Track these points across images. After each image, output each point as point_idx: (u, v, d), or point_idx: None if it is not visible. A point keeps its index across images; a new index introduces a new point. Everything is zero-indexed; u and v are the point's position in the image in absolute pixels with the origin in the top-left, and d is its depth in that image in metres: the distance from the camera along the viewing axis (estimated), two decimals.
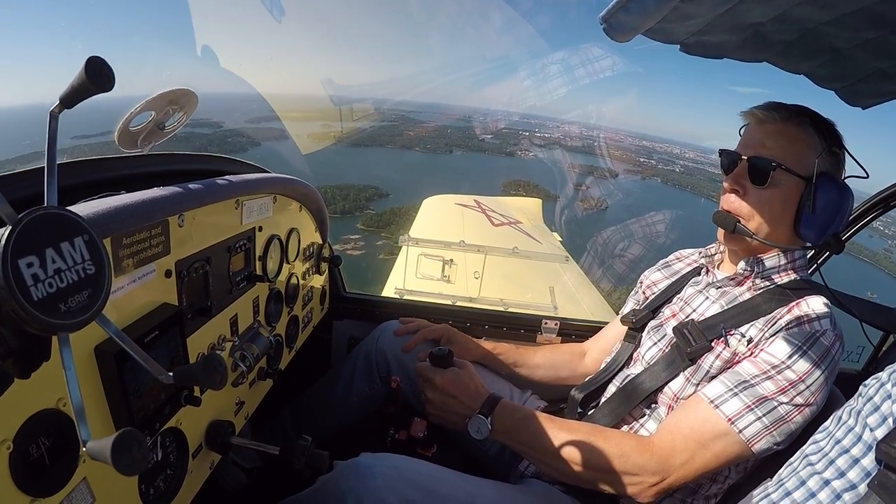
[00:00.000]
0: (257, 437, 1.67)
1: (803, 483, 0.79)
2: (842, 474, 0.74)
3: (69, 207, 0.68)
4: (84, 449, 0.45)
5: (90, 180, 0.94)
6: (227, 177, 1.10)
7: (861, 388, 0.82)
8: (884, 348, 1.92)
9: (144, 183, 0.99)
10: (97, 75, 0.49)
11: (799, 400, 1.05)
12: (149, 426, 0.80)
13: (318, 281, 1.81)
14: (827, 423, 0.86)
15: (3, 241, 0.42)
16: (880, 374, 0.79)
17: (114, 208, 0.70)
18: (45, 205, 0.48)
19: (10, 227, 0.43)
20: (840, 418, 0.82)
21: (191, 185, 0.93)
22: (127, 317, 0.77)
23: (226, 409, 1.13)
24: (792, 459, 0.88)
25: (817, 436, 0.86)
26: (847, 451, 0.75)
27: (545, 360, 1.76)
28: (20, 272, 0.42)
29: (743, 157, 1.22)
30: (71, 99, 0.51)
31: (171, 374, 0.60)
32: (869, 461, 0.71)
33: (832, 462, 0.76)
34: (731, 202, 1.24)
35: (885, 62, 1.06)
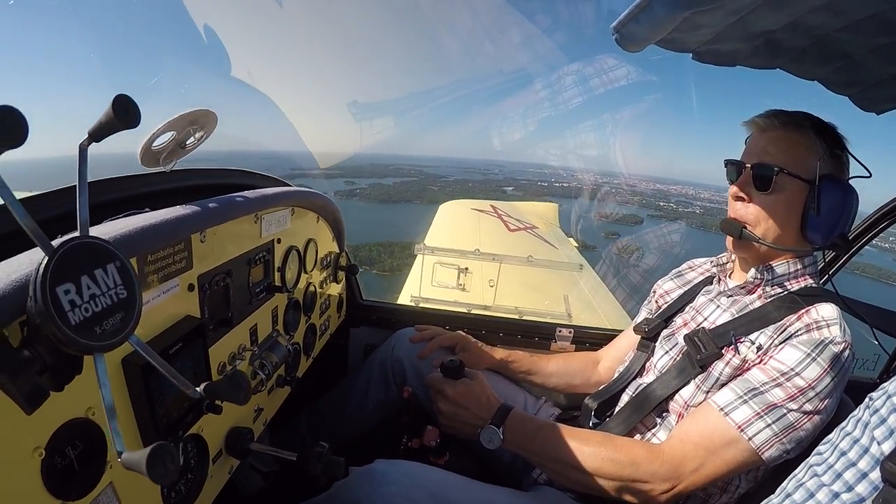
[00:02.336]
0: (275, 442, 1.70)
1: (812, 495, 0.78)
2: (850, 488, 0.73)
3: (97, 225, 0.72)
4: (119, 460, 0.48)
5: (115, 198, 0.97)
6: (246, 192, 1.12)
7: (867, 399, 0.80)
8: None
9: (166, 199, 1.02)
10: (124, 112, 0.52)
11: (808, 407, 1.04)
12: (172, 433, 0.83)
13: (336, 289, 1.83)
14: (831, 435, 0.85)
15: (42, 270, 0.45)
16: (887, 385, 0.78)
17: (140, 229, 0.72)
18: (79, 234, 0.51)
19: (47, 257, 0.47)
20: (844, 429, 0.81)
21: (212, 203, 0.96)
22: (152, 330, 0.80)
23: (245, 416, 1.16)
24: (796, 471, 0.87)
25: (821, 447, 0.85)
26: (854, 464, 0.74)
27: (559, 368, 1.76)
28: (58, 298, 0.46)
29: (747, 164, 1.23)
30: (99, 133, 0.54)
31: (198, 389, 0.63)
32: (877, 475, 0.70)
33: (839, 475, 0.75)
34: (738, 209, 1.25)
35: None
